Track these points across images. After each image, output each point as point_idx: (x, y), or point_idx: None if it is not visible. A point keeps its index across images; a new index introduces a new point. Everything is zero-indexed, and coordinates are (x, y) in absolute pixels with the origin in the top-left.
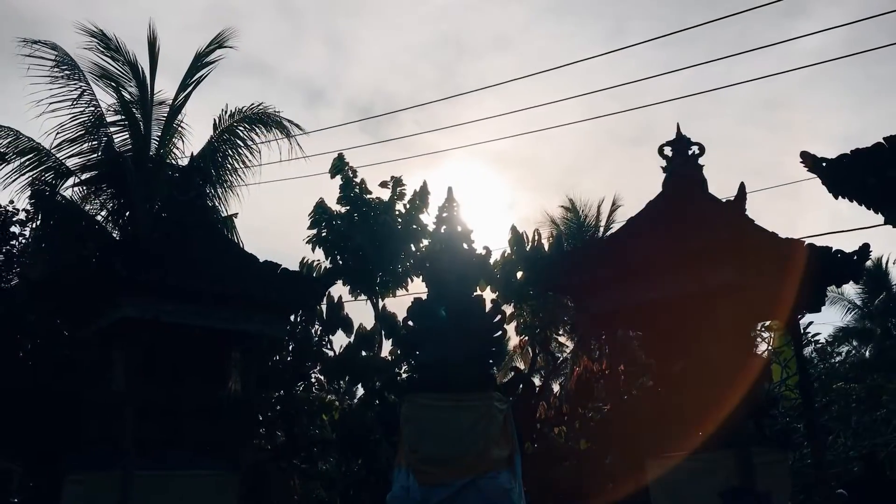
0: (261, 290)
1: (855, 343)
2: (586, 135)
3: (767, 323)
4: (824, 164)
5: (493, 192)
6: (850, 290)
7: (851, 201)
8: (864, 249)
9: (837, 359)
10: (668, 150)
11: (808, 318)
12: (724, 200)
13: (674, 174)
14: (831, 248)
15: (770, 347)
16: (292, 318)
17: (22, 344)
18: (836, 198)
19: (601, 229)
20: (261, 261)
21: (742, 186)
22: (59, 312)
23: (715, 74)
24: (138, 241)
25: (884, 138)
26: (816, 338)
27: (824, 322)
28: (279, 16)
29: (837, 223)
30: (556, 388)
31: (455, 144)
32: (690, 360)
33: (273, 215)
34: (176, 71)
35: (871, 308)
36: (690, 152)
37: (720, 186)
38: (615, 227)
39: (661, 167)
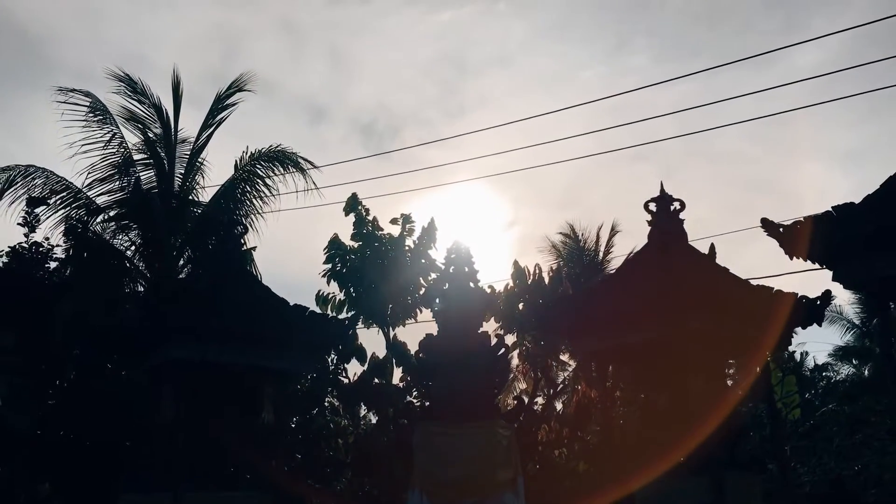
0: (291, 331)
1: (855, 361)
2: (587, 151)
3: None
4: (781, 230)
5: (496, 208)
6: (849, 308)
7: (805, 261)
8: (826, 295)
9: (822, 383)
10: (652, 206)
11: (802, 336)
12: (700, 252)
13: (657, 228)
14: (797, 293)
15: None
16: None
17: (64, 374)
18: (791, 258)
19: (601, 254)
20: (290, 304)
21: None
22: (110, 352)
23: (716, 90)
24: (186, 290)
25: (832, 207)
26: (807, 359)
27: (823, 341)
28: (282, 33)
29: None
30: (559, 405)
31: (458, 161)
32: (673, 394)
33: (287, 243)
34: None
35: (869, 327)
36: (672, 208)
37: (721, 199)
38: (614, 251)
39: (647, 221)
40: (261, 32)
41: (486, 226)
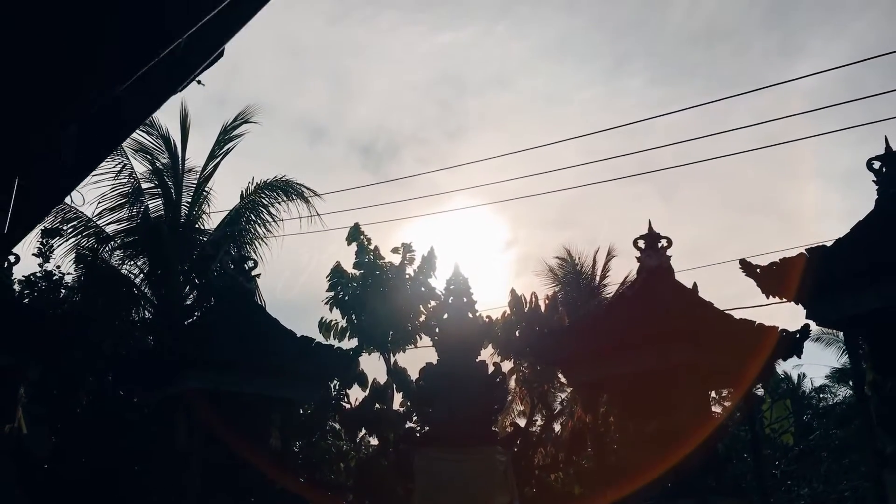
0: (298, 362)
1: (851, 383)
2: (585, 172)
3: None
4: (758, 271)
5: (494, 228)
6: None
7: (781, 300)
8: (805, 329)
9: (821, 405)
10: (641, 243)
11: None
12: (685, 287)
13: (646, 264)
14: (778, 327)
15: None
16: None
17: (78, 401)
18: (768, 297)
19: (597, 278)
20: (298, 336)
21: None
22: (124, 380)
23: (713, 108)
24: (201, 324)
25: (806, 249)
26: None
27: (821, 363)
28: (282, 53)
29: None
30: (556, 426)
31: (456, 180)
32: (660, 422)
33: (288, 263)
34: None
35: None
36: (660, 245)
37: (719, 218)
38: (610, 276)
39: (636, 257)
40: (262, 52)
41: (485, 246)
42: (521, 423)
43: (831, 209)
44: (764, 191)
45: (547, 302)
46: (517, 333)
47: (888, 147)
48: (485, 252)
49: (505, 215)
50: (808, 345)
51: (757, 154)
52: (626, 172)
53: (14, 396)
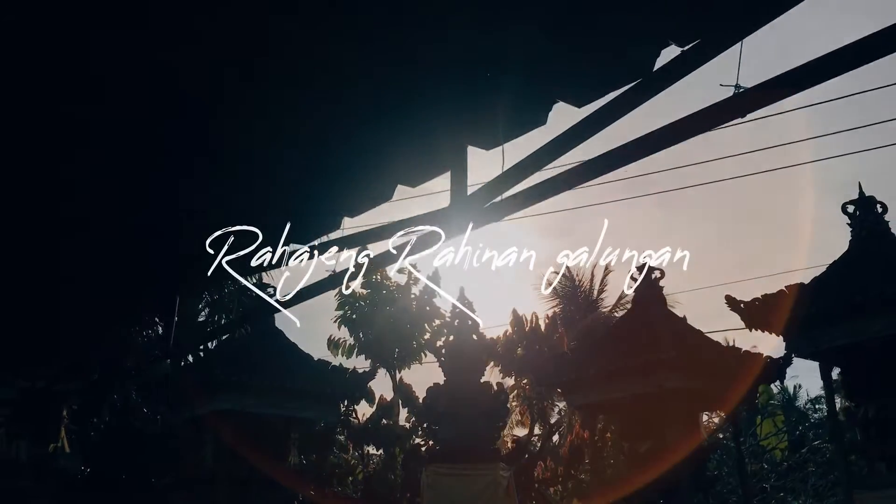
0: (316, 384)
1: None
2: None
3: None
4: (742, 306)
5: (492, 238)
6: None
7: (762, 332)
8: (788, 357)
9: (817, 415)
10: (635, 274)
11: (796, 370)
12: (676, 315)
13: (640, 294)
14: (762, 354)
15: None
16: None
17: (100, 416)
18: (751, 330)
19: (595, 292)
20: (315, 359)
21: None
22: (155, 402)
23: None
24: (227, 348)
25: (785, 286)
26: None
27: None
28: None
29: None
30: (555, 438)
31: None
32: (654, 443)
33: (291, 281)
34: None
35: None
36: (653, 277)
37: (716, 228)
38: (608, 290)
39: (633, 288)
40: None
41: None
42: (518, 433)
43: (829, 219)
44: (761, 199)
45: (547, 321)
46: (519, 351)
47: (861, 192)
48: (484, 262)
49: (503, 223)
50: None
51: (754, 158)
52: (622, 186)
53: (58, 418)
